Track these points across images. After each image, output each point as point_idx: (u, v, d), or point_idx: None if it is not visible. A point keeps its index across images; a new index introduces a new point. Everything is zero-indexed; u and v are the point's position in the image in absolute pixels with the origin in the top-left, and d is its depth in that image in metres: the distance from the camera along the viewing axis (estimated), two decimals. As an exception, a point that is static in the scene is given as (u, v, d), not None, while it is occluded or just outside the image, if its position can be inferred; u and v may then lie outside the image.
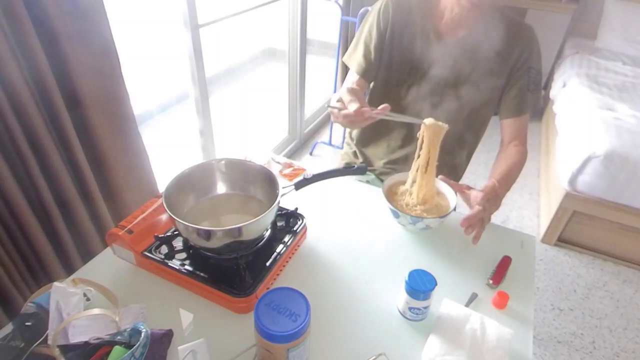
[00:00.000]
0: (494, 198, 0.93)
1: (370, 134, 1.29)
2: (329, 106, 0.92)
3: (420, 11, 1.09)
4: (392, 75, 1.15)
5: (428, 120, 0.92)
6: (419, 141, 0.95)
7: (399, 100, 1.15)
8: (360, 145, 1.33)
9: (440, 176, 0.99)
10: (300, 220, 0.91)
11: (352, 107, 0.87)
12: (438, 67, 1.09)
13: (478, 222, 0.88)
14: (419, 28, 1.09)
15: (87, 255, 1.20)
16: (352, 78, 1.18)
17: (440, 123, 0.92)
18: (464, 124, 1.16)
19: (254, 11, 2.07)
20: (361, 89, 1.13)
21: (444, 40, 1.08)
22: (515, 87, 1.11)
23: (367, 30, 1.14)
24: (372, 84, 1.22)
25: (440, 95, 1.12)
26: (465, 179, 1.27)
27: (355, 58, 1.17)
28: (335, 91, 2.77)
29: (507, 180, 1.04)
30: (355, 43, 1.18)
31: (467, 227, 0.87)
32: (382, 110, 0.87)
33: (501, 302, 0.80)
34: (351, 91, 0.92)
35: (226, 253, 0.80)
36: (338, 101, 0.93)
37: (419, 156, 0.96)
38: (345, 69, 2.83)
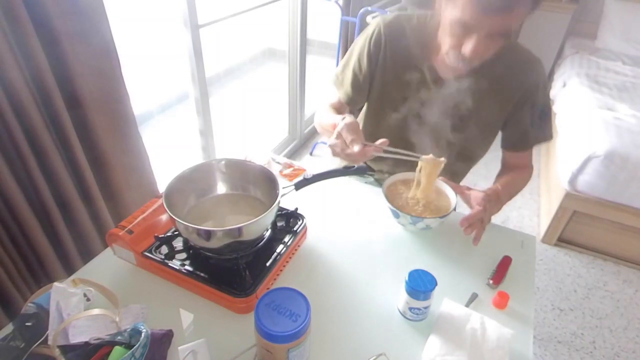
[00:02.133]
0: (495, 200, 0.94)
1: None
2: (330, 145, 0.87)
3: (415, 44, 1.01)
4: (385, 105, 1.10)
5: (425, 157, 0.92)
6: (416, 176, 0.95)
7: (394, 130, 1.10)
8: None
9: (440, 177, 0.99)
10: (301, 221, 0.91)
11: (356, 147, 0.82)
12: (434, 102, 1.03)
13: (478, 223, 0.88)
14: (414, 62, 1.02)
15: (87, 255, 1.20)
16: (336, 100, 1.14)
17: (439, 159, 0.92)
18: (461, 156, 1.12)
19: (254, 11, 2.07)
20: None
21: (440, 77, 1.01)
22: (518, 123, 1.05)
23: (356, 58, 1.08)
24: (365, 109, 1.19)
25: (436, 129, 1.05)
26: (465, 179, 1.27)
27: (343, 87, 1.12)
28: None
29: (510, 188, 1.04)
30: (344, 63, 1.12)
31: (466, 227, 0.87)
32: (382, 145, 0.86)
33: (501, 302, 0.80)
34: (350, 127, 0.85)
35: (226, 253, 0.80)
36: (337, 138, 0.86)
37: (417, 185, 0.97)
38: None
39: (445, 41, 0.91)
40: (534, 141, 1.08)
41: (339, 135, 0.85)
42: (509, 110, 1.04)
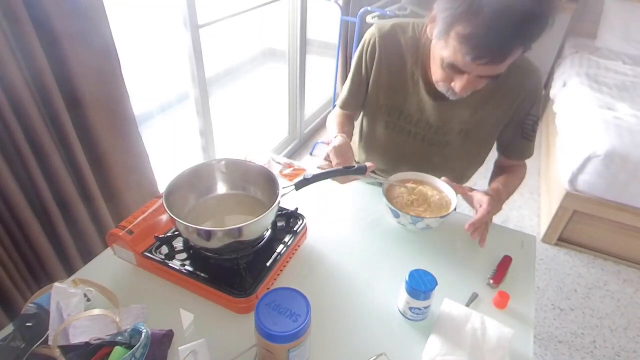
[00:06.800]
0: (498, 200, 0.94)
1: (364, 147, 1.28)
2: (318, 167, 0.98)
3: (411, 57, 1.01)
4: (381, 117, 1.10)
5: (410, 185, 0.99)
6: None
7: (390, 137, 1.11)
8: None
9: (442, 177, 0.99)
10: (301, 221, 0.91)
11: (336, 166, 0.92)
12: (430, 116, 1.03)
13: (483, 226, 0.88)
14: (409, 74, 1.02)
15: (88, 255, 1.20)
16: (340, 113, 1.18)
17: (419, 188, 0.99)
18: (460, 165, 1.12)
19: (254, 11, 2.07)
20: (349, 135, 1.10)
21: (435, 92, 0.98)
22: (512, 134, 1.06)
23: (355, 65, 1.10)
24: (362, 116, 1.20)
25: (434, 141, 1.06)
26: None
27: (342, 92, 1.15)
28: (335, 92, 2.77)
29: (509, 187, 1.04)
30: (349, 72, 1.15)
31: (473, 232, 0.88)
32: (370, 168, 0.90)
33: (502, 302, 0.80)
34: (338, 151, 0.94)
35: (227, 253, 0.80)
36: (325, 159, 0.98)
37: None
38: (345, 69, 2.83)
39: (435, 71, 0.90)
40: (523, 149, 1.07)
41: (327, 157, 0.94)
42: (508, 118, 1.03)
